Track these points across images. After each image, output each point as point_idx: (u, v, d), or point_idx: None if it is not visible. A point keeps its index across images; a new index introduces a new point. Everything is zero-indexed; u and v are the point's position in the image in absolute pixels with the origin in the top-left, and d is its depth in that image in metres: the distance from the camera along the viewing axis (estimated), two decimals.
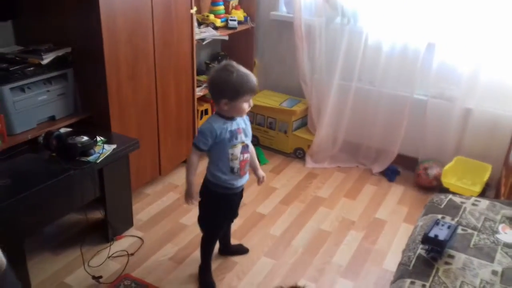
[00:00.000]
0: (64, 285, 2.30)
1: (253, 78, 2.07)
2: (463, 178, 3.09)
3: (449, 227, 1.85)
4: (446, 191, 2.93)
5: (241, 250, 2.57)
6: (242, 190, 2.30)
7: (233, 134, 2.09)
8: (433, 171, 3.15)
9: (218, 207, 2.23)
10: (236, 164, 2.12)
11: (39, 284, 2.28)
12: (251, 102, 2.12)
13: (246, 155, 2.16)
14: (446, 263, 1.77)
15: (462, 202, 2.16)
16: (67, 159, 2.23)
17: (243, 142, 2.13)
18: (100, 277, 2.32)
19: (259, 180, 2.34)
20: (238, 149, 2.11)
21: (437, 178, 3.14)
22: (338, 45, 3.27)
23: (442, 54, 3.05)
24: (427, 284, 1.68)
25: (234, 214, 2.38)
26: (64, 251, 2.50)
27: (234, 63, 2.07)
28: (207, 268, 2.35)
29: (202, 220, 2.29)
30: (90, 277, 2.31)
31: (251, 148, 2.24)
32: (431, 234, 1.81)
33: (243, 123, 2.16)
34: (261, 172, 2.35)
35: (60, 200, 2.24)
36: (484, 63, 2.92)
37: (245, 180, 2.23)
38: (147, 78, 2.78)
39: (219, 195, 2.19)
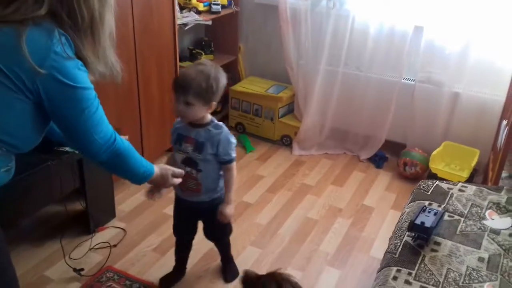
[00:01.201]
0: (45, 278, 2.24)
1: (183, 75, 1.79)
2: (451, 164, 3.06)
3: (435, 213, 1.82)
4: (434, 176, 2.90)
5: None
6: (203, 210, 2.03)
7: (179, 139, 1.91)
8: (411, 169, 3.10)
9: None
10: None
11: (19, 277, 2.17)
12: (182, 108, 1.78)
13: (189, 169, 1.88)
14: (433, 250, 1.74)
15: (449, 188, 2.12)
16: (44, 149, 2.14)
17: (186, 153, 1.88)
18: (82, 269, 2.27)
19: (219, 213, 1.98)
20: (179, 157, 1.91)
21: (415, 175, 3.09)
22: (324, 29, 3.20)
23: (429, 37, 2.99)
24: (413, 272, 1.65)
25: (180, 226, 2.17)
26: (44, 244, 2.44)
27: (208, 62, 1.88)
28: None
29: None
30: (71, 269, 2.25)
31: (228, 176, 1.94)
32: (417, 221, 1.77)
33: (201, 136, 1.86)
34: (224, 208, 1.95)
35: (38, 191, 2.17)
36: (472, 47, 2.88)
37: (191, 198, 1.99)
38: (127, 65, 2.69)
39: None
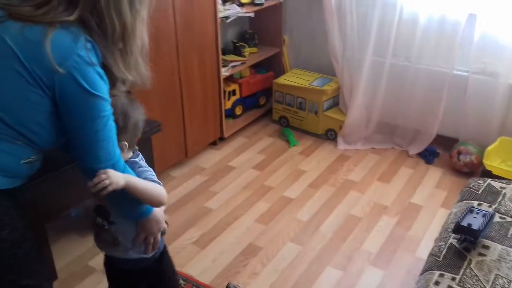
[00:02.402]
0: (89, 268, 2.31)
1: None
2: (508, 160, 2.86)
3: (484, 215, 1.69)
4: (488, 173, 2.73)
5: None
6: (121, 270, 1.60)
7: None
8: (466, 158, 2.93)
9: None
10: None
11: (64, 266, 2.30)
12: None
13: (100, 220, 1.53)
14: (480, 254, 1.63)
15: (502, 188, 1.98)
16: None
17: (99, 200, 1.51)
18: None
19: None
20: (92, 202, 1.56)
21: (469, 167, 2.92)
22: (371, 19, 3.08)
23: (484, 25, 2.79)
24: (458, 277, 1.55)
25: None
26: (90, 234, 2.49)
27: (122, 95, 1.44)
28: None
29: None
30: None
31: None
32: (464, 223, 1.66)
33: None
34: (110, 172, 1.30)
35: (80, 184, 2.22)
36: None
37: (108, 251, 1.59)
38: (169, 59, 2.71)
39: None
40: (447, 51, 2.94)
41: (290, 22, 3.66)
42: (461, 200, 1.97)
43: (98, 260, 2.34)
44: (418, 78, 3.10)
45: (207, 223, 2.61)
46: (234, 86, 3.47)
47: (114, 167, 1.33)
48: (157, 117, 2.65)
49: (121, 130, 1.38)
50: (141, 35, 1.35)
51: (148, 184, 1.41)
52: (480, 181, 2.05)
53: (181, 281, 2.21)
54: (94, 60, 1.23)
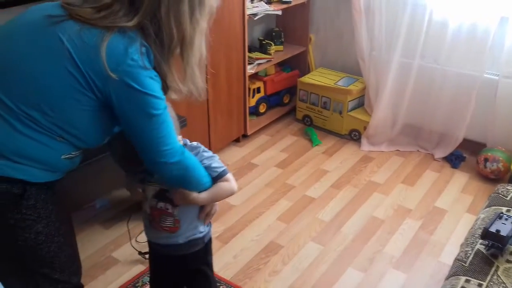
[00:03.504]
0: (112, 259, 2.34)
1: None
2: None
3: None
4: None
5: None
6: (175, 259, 1.62)
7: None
8: (493, 165, 2.86)
9: None
10: (146, 207, 1.55)
11: (88, 257, 2.33)
12: None
13: (162, 205, 1.51)
14: (508, 261, 1.60)
15: None
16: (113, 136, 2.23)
17: (160, 184, 1.51)
18: (147, 253, 2.33)
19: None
20: (152, 190, 1.53)
21: (496, 174, 2.86)
22: (400, 19, 3.03)
23: None
24: (484, 284, 1.52)
25: (154, 277, 1.76)
26: (114, 225, 2.54)
27: None
28: None
29: None
30: (136, 252, 2.33)
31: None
32: (492, 229, 1.63)
33: None
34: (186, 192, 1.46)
35: (106, 175, 2.26)
36: None
37: (162, 239, 1.57)
38: None
39: None
40: (477, 54, 2.88)
41: (317, 20, 3.64)
42: (489, 205, 1.94)
43: (121, 251, 2.38)
44: (446, 81, 3.05)
45: (230, 219, 2.62)
46: (259, 84, 3.47)
47: (180, 161, 1.35)
48: (182, 112, 2.67)
49: None
50: (200, 46, 1.33)
51: (218, 191, 1.52)
52: (509, 187, 2.01)
53: None
54: (147, 64, 1.22)
